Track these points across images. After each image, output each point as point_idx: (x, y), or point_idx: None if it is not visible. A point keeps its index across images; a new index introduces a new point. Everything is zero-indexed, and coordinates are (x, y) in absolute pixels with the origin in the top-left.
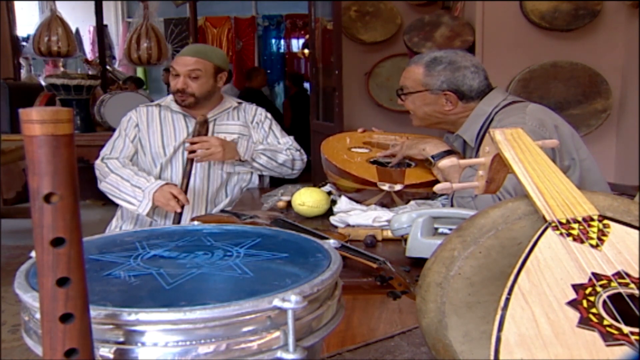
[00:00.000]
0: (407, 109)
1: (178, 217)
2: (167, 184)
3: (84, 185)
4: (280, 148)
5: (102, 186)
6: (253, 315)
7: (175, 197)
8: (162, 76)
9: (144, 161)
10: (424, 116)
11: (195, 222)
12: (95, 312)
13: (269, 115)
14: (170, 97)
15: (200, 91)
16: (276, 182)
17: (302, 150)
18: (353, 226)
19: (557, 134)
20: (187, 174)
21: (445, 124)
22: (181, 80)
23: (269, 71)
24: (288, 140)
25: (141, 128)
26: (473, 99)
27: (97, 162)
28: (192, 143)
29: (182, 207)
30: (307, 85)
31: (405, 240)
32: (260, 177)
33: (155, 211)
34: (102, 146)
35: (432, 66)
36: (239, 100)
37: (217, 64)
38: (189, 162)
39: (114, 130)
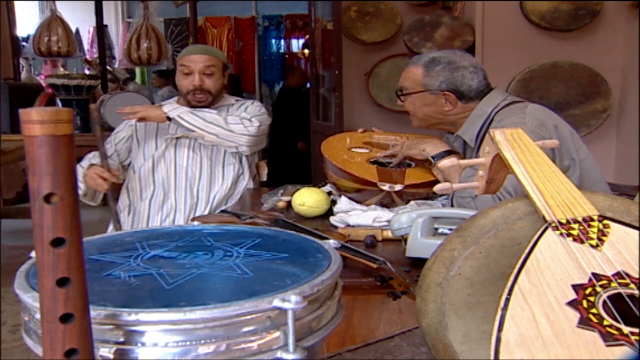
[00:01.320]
0: (407, 109)
1: (111, 197)
2: (91, 165)
3: None
4: (210, 111)
5: None
6: (253, 316)
7: (100, 176)
8: (153, 79)
9: (137, 156)
10: (423, 117)
11: (195, 222)
12: (95, 312)
13: (256, 104)
14: (174, 99)
15: (215, 87)
16: (276, 182)
17: (253, 121)
18: (353, 226)
19: (556, 134)
20: (103, 155)
21: (445, 125)
22: (197, 77)
23: (268, 71)
24: (246, 115)
25: (138, 126)
26: (472, 99)
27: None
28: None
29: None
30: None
31: (405, 240)
32: (249, 167)
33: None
34: None
35: (431, 66)
36: (237, 98)
37: (223, 60)
38: (102, 145)
39: (113, 130)
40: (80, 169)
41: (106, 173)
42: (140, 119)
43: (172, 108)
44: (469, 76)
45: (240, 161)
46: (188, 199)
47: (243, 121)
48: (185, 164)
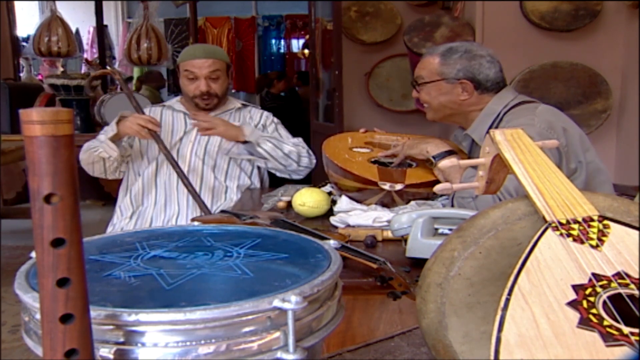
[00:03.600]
0: (422, 100)
1: (157, 137)
2: (133, 116)
3: (84, 186)
4: (286, 141)
5: (82, 161)
6: (253, 316)
7: (143, 127)
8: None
9: (141, 160)
10: (438, 107)
11: (196, 223)
12: (95, 312)
13: (275, 119)
14: (177, 99)
15: (221, 90)
16: (276, 183)
17: (310, 152)
18: (353, 226)
19: (565, 137)
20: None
21: (459, 116)
22: (204, 82)
23: (269, 71)
24: (297, 141)
25: None
26: (488, 89)
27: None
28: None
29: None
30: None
31: (406, 240)
32: (261, 180)
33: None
34: None
35: (448, 55)
36: (245, 103)
37: (226, 61)
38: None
39: None
40: (103, 135)
41: (152, 122)
42: (211, 134)
43: (251, 131)
44: (487, 65)
45: (250, 176)
46: (190, 202)
47: (309, 154)
48: (187, 168)
